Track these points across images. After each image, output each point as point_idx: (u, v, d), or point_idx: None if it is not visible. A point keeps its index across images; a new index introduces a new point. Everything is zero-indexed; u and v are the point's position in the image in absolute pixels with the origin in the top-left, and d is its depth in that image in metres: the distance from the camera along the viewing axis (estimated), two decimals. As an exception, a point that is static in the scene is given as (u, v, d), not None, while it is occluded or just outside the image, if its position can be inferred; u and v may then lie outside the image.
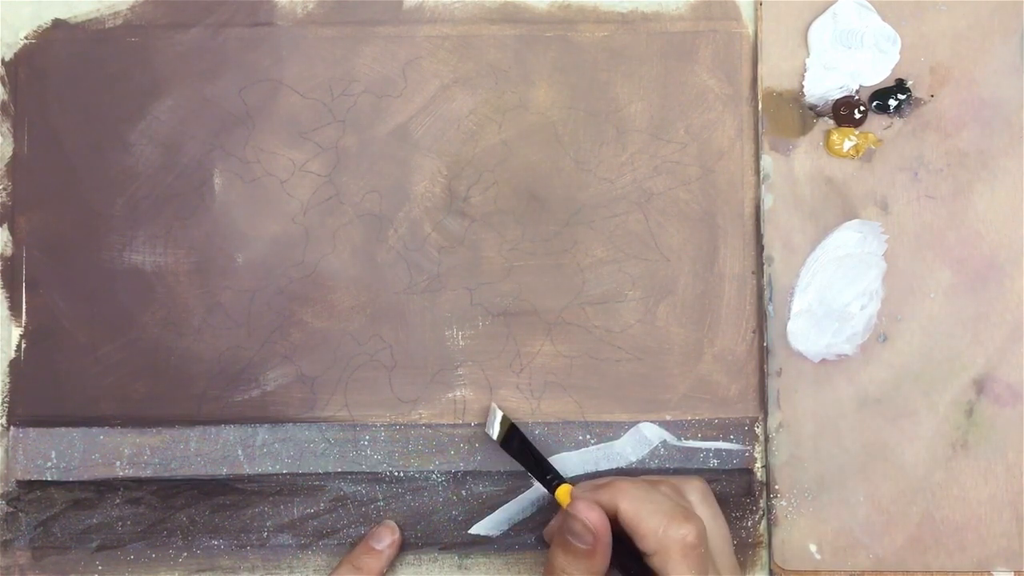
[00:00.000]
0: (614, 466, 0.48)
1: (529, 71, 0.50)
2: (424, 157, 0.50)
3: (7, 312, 0.49)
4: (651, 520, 0.41)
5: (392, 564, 0.48)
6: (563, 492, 0.45)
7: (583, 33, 0.50)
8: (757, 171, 0.49)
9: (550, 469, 0.46)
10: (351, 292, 0.49)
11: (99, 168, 0.50)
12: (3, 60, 0.50)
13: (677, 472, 0.49)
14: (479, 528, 0.49)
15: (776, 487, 0.48)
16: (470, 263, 0.49)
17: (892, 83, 0.49)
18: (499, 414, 0.47)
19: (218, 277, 0.49)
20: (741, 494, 0.49)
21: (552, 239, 0.49)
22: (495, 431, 0.47)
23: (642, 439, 0.49)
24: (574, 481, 0.46)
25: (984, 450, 0.48)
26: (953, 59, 0.49)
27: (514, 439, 0.47)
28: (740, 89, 0.50)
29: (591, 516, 0.41)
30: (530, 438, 0.47)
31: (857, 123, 0.49)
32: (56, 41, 0.50)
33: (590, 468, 0.49)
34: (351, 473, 0.49)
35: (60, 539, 0.49)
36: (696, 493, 0.44)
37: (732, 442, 0.49)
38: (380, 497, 0.49)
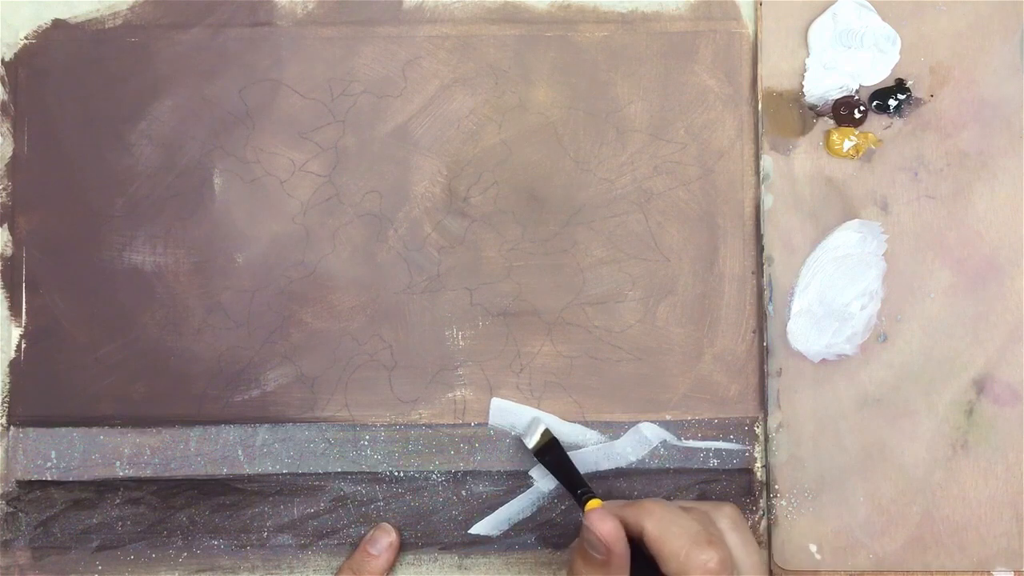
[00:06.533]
0: (614, 466, 0.48)
1: (529, 71, 0.50)
2: (424, 157, 0.50)
3: (7, 312, 0.49)
4: (674, 542, 0.40)
5: (392, 565, 0.48)
6: (591, 506, 0.44)
7: (583, 33, 0.50)
8: (757, 171, 0.49)
9: (582, 484, 0.46)
10: (351, 292, 0.49)
11: (99, 168, 0.50)
12: (3, 60, 0.50)
13: (677, 472, 0.49)
14: (479, 528, 0.49)
15: (776, 487, 0.48)
16: (470, 263, 0.49)
17: (892, 83, 0.49)
18: (542, 427, 0.47)
19: (218, 277, 0.49)
20: (741, 494, 0.49)
21: (552, 239, 0.49)
22: (532, 440, 0.47)
23: (642, 439, 0.49)
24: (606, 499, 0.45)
25: (984, 450, 0.48)
26: (953, 59, 0.49)
27: (552, 450, 0.47)
28: (740, 89, 0.50)
29: (603, 528, 0.41)
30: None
31: (857, 123, 0.49)
32: (56, 41, 0.50)
33: (590, 468, 0.49)
34: (351, 473, 0.49)
35: (60, 539, 0.49)
36: (726, 520, 0.43)
37: (732, 442, 0.49)
38: (380, 497, 0.49)
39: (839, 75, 0.49)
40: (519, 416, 0.49)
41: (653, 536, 0.41)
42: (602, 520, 0.41)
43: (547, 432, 0.47)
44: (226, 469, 0.49)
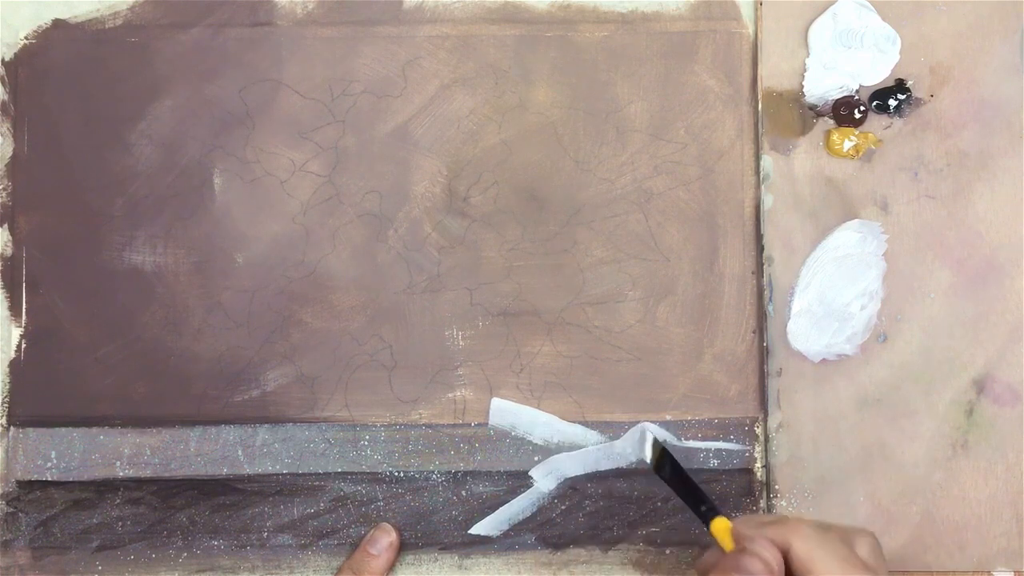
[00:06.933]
0: (614, 466, 0.48)
1: (529, 71, 0.50)
2: (424, 157, 0.50)
3: (7, 312, 0.49)
4: (826, 564, 0.39)
5: (392, 565, 0.48)
6: (720, 526, 0.42)
7: (583, 33, 0.50)
8: (757, 171, 0.49)
9: (705, 498, 0.44)
10: (351, 292, 0.49)
11: (99, 168, 0.50)
12: (3, 60, 0.50)
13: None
14: (479, 528, 0.49)
15: (776, 487, 0.48)
16: (470, 263, 0.49)
17: (892, 83, 0.49)
18: (650, 438, 0.46)
19: (218, 277, 0.49)
20: (741, 494, 0.49)
21: (552, 239, 0.49)
22: (647, 454, 0.46)
23: (642, 439, 0.49)
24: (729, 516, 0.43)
25: (984, 450, 0.48)
26: (953, 59, 0.49)
27: (666, 464, 0.45)
28: (740, 89, 0.50)
29: (771, 554, 0.39)
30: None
31: (857, 123, 0.49)
32: (56, 41, 0.50)
33: (590, 468, 0.49)
34: (351, 473, 0.49)
35: (60, 539, 0.49)
36: (866, 547, 0.41)
37: (732, 442, 0.49)
38: (380, 497, 0.49)
39: (839, 75, 0.49)
40: (519, 416, 0.49)
41: (801, 556, 0.39)
42: (772, 550, 0.39)
43: (657, 443, 0.46)
44: (226, 469, 0.49)
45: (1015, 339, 0.48)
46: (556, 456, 0.49)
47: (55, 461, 0.49)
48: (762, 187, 0.49)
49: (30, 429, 0.49)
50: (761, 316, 0.49)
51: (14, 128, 0.50)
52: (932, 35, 0.49)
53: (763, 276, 0.49)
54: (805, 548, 0.39)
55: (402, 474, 0.49)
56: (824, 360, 0.49)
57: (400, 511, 0.49)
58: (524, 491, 0.49)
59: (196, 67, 0.50)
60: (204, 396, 0.49)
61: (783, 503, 0.48)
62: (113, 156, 0.50)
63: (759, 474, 0.49)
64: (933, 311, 0.49)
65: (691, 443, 0.49)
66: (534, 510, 0.49)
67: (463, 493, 0.49)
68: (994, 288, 0.48)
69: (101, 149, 0.50)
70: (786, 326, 0.49)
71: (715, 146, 0.50)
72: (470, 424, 0.49)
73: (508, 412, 0.49)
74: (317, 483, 0.49)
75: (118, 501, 0.49)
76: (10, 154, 0.50)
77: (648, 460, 0.46)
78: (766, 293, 0.49)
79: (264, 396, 0.49)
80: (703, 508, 0.43)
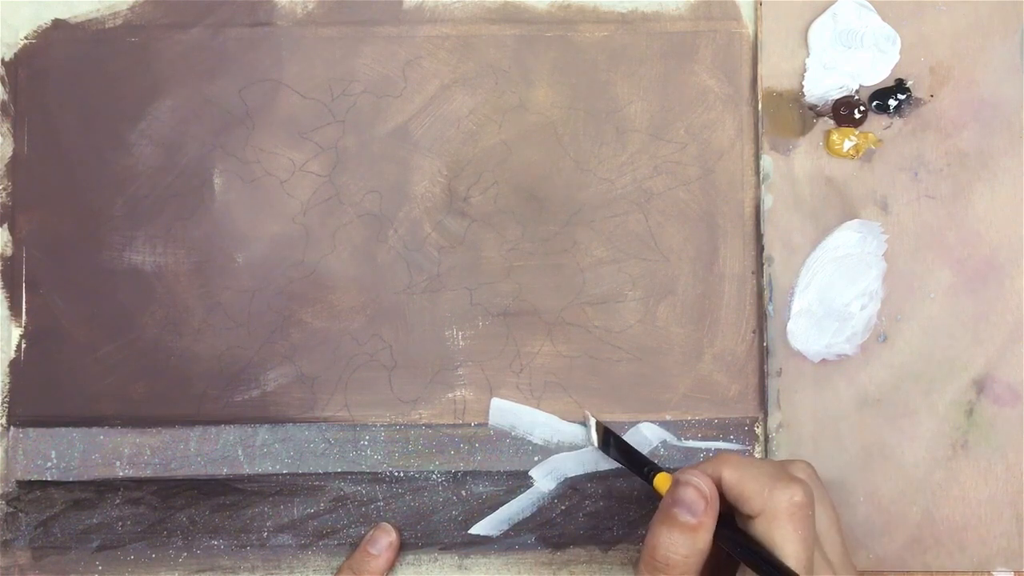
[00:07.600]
0: (614, 466, 0.48)
1: (529, 71, 0.50)
2: (424, 157, 0.50)
3: (7, 312, 0.49)
4: (756, 482, 0.39)
5: (392, 565, 0.48)
6: (661, 479, 0.44)
7: (583, 33, 0.50)
8: (757, 171, 0.49)
9: (647, 462, 0.46)
10: (351, 292, 0.49)
11: (99, 168, 0.50)
12: (3, 60, 0.50)
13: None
14: (479, 528, 0.49)
15: (776, 487, 0.48)
16: (470, 263, 0.49)
17: (892, 83, 0.49)
18: (593, 422, 0.48)
19: (218, 277, 0.49)
20: (741, 494, 0.49)
21: (552, 239, 0.49)
22: (594, 438, 0.48)
23: (642, 439, 0.49)
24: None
25: (984, 450, 0.48)
26: (953, 59, 0.49)
27: (611, 440, 0.47)
28: (740, 89, 0.50)
29: (703, 481, 0.40)
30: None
31: (857, 123, 0.49)
32: (56, 41, 0.50)
33: (589, 468, 0.49)
34: (351, 473, 0.49)
35: (60, 539, 0.49)
36: (802, 472, 0.42)
37: (732, 442, 0.49)
38: (380, 497, 0.49)
39: (839, 75, 0.49)
40: (519, 416, 0.49)
41: (732, 481, 0.40)
42: (701, 476, 0.40)
43: (600, 424, 0.48)
44: (226, 469, 0.49)
45: (1015, 339, 0.48)
46: (556, 456, 0.49)
47: (55, 461, 0.49)
48: (762, 187, 0.49)
49: (30, 429, 0.49)
50: (761, 316, 0.49)
51: (14, 128, 0.50)
52: (932, 35, 0.49)
53: (763, 276, 0.49)
54: (735, 472, 0.40)
55: (402, 474, 0.49)
56: (824, 360, 0.49)
57: (400, 511, 0.49)
58: (524, 491, 0.49)
59: (196, 67, 0.50)
60: (204, 396, 0.49)
61: (783, 503, 0.48)
62: (113, 156, 0.50)
63: (759, 474, 0.49)
64: (933, 311, 0.49)
65: (691, 443, 0.49)
66: (534, 510, 0.49)
67: (463, 493, 0.49)
68: (994, 288, 0.48)
69: (101, 149, 0.50)
70: (786, 326, 0.49)
71: (715, 146, 0.50)
72: (470, 424, 0.49)
73: (508, 412, 0.49)
74: (317, 483, 0.49)
75: (118, 501, 0.49)
76: (10, 154, 0.50)
77: (595, 443, 0.48)
78: (766, 293, 0.49)
79: (264, 396, 0.49)
80: (646, 470, 0.45)
